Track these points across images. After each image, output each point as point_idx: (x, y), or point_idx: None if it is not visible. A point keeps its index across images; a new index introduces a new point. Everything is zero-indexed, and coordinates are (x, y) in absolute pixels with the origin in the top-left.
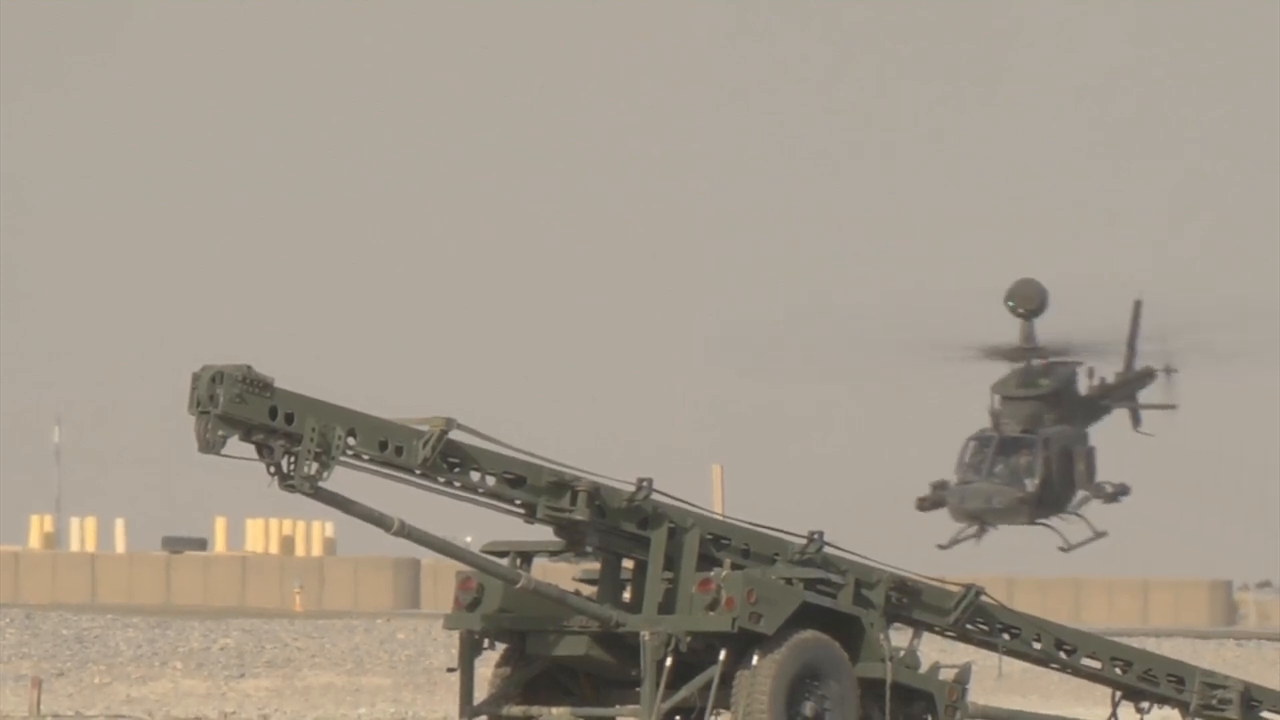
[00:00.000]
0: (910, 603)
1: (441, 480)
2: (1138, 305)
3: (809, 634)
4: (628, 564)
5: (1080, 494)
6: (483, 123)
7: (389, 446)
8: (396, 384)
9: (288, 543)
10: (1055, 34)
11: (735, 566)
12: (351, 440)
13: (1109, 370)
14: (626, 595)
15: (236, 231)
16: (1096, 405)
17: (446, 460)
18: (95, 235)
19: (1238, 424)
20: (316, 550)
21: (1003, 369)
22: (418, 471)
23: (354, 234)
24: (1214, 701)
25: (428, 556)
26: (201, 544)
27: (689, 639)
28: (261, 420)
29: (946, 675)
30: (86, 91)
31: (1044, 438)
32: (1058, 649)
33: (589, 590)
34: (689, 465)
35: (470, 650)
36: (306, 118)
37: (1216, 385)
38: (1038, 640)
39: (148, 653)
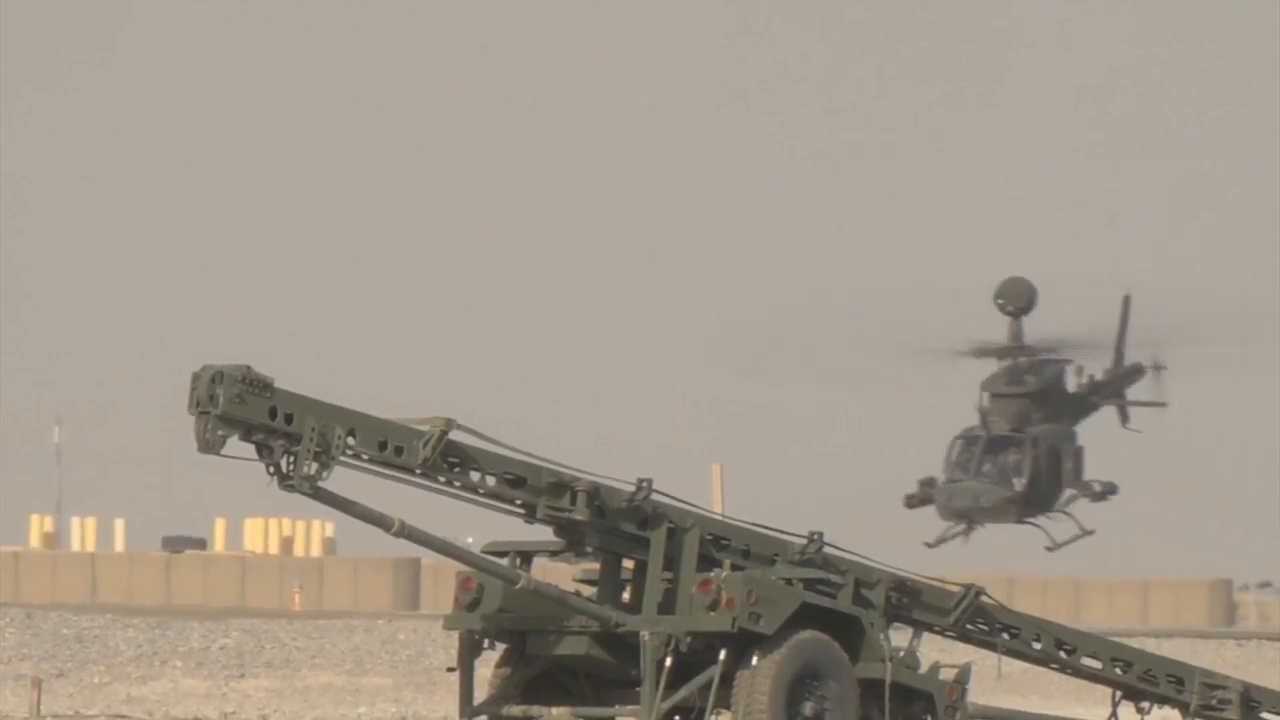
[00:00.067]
0: (910, 603)
1: (441, 480)
2: (1127, 301)
3: (809, 634)
4: (628, 564)
5: (1068, 492)
6: (483, 123)
7: (389, 446)
8: (396, 384)
9: (287, 543)
10: (1055, 34)
11: (735, 567)
12: (351, 440)
13: (1098, 367)
14: (626, 595)
15: (237, 231)
16: (1085, 403)
17: (446, 460)
18: (95, 235)
19: (1238, 424)
20: (316, 550)
21: (992, 367)
22: (418, 471)
23: (354, 234)
24: (1214, 702)
25: (428, 556)
26: (201, 544)
27: (689, 639)
28: (261, 420)
29: (946, 675)
30: (86, 91)
31: (1032, 436)
32: (1057, 649)
33: (589, 590)
34: (689, 465)
35: (470, 650)
36: (306, 118)
37: (1217, 385)
38: (1037, 640)
39: (148, 653)
